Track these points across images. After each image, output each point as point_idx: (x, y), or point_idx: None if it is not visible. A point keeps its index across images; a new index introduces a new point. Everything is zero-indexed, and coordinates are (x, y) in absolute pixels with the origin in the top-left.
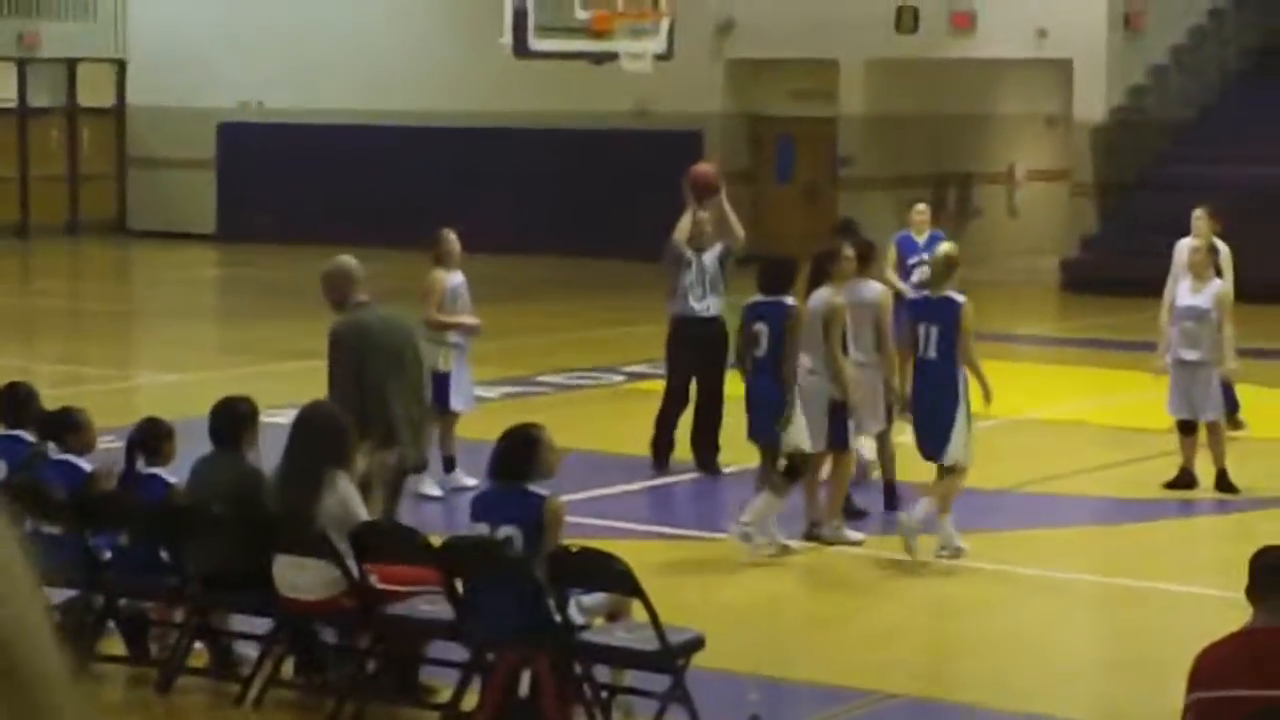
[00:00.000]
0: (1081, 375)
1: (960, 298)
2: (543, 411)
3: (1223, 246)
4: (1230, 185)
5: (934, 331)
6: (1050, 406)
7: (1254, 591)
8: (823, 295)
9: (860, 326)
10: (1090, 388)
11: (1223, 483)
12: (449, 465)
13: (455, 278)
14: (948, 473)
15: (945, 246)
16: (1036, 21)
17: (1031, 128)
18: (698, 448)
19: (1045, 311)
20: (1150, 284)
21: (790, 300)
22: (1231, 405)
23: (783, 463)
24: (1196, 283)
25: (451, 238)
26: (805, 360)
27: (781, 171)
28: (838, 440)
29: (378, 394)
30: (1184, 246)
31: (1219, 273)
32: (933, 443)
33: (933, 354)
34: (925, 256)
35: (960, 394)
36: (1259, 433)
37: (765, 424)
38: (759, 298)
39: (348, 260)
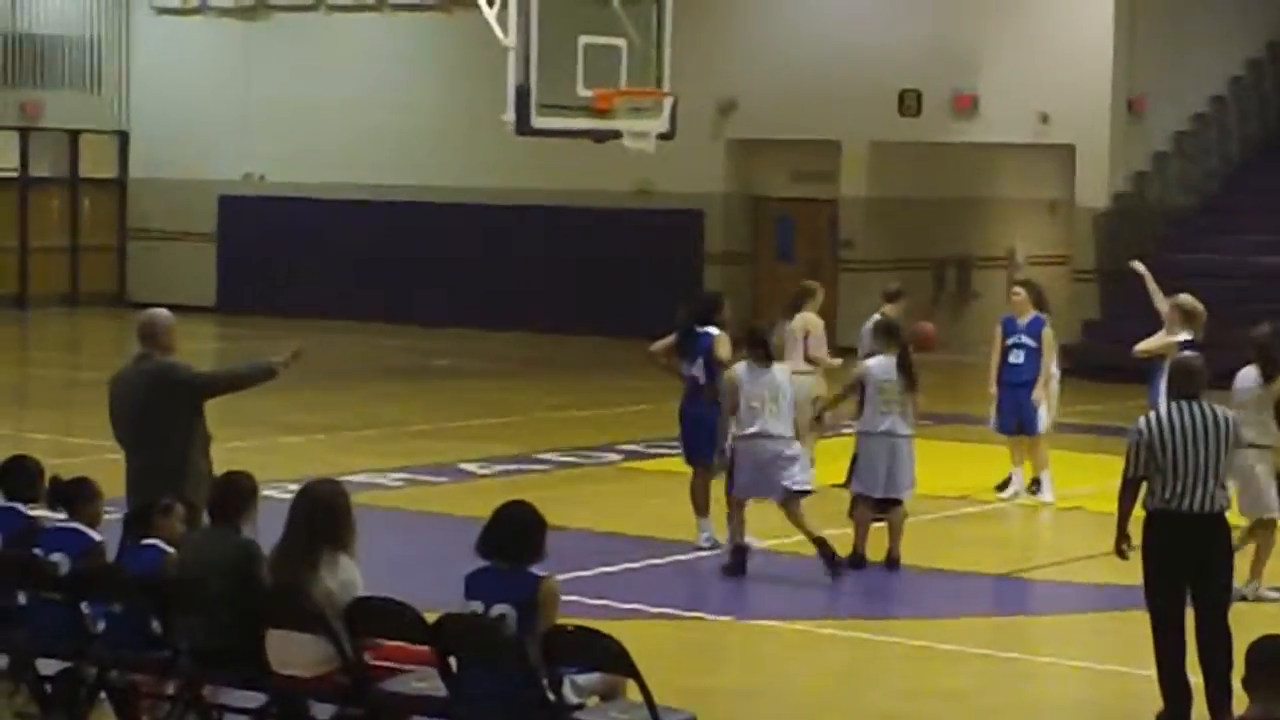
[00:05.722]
0: (1081, 461)
1: None
2: (540, 489)
3: None
4: (1231, 272)
5: None
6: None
7: (1249, 682)
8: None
9: None
10: (1088, 474)
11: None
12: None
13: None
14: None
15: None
16: (1039, 106)
17: (1033, 212)
18: None
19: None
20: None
21: None
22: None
23: None
24: None
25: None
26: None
27: (783, 251)
28: None
29: (124, 440)
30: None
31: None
32: None
33: None
34: (1024, 339)
35: None
36: None
37: None
38: None
39: (147, 313)
